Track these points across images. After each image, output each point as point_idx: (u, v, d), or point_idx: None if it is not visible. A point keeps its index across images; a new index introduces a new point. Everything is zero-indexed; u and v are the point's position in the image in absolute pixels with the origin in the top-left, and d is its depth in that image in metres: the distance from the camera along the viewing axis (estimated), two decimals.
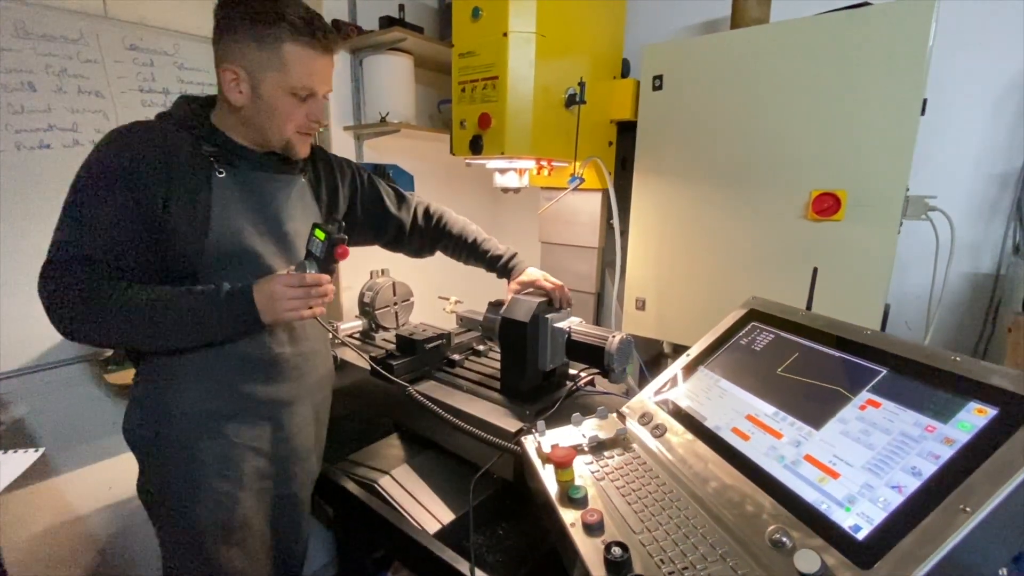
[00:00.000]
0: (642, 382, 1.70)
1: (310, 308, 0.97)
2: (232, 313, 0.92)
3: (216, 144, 0.97)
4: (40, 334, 1.50)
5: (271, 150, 1.04)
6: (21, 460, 0.86)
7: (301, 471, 1.17)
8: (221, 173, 0.96)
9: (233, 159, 0.99)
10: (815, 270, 1.02)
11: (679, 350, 1.71)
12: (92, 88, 1.55)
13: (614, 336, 1.18)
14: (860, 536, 0.59)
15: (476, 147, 1.42)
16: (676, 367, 1.04)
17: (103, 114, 1.56)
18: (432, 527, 1.21)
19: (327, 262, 0.99)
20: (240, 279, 0.95)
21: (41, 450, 0.89)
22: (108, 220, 0.87)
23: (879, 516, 0.60)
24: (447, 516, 1.25)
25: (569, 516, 0.77)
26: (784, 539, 0.63)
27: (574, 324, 1.23)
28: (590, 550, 0.70)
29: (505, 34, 1.31)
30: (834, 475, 0.67)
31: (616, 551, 0.66)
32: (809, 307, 1.00)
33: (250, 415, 1.05)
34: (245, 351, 1.01)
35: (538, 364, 1.22)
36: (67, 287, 0.85)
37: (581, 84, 1.43)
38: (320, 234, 1.01)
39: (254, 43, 0.91)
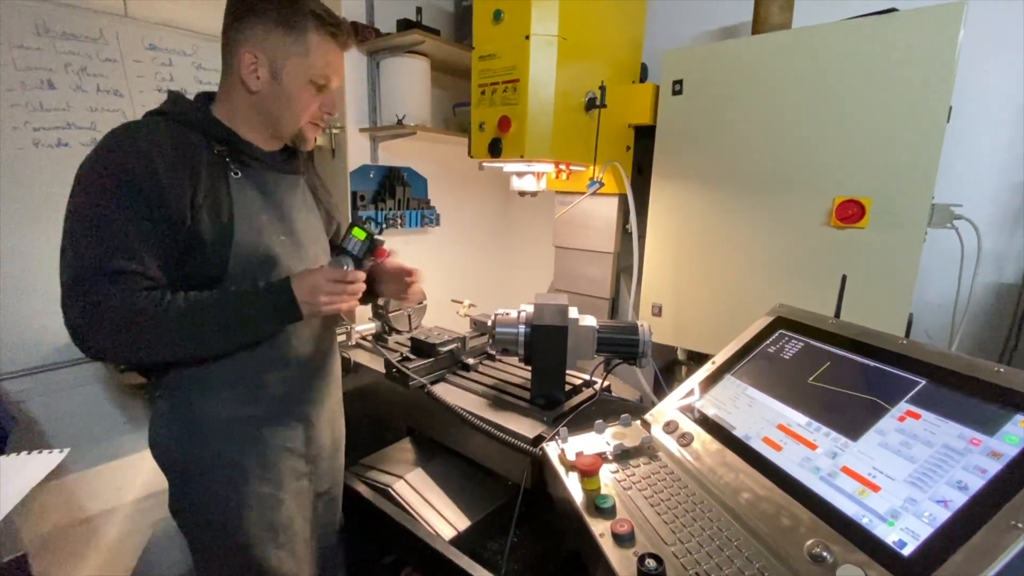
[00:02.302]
0: (658, 389, 1.68)
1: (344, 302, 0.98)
2: (275, 307, 0.92)
3: (225, 141, 0.94)
4: (52, 333, 1.49)
5: (277, 145, 1.02)
6: (44, 462, 0.85)
7: (332, 468, 1.19)
8: (237, 174, 0.94)
9: (244, 158, 0.96)
10: (844, 277, 1.01)
11: (694, 357, 1.70)
12: (111, 87, 1.55)
13: (642, 324, 1.20)
14: (906, 552, 0.58)
15: (495, 150, 1.41)
16: (700, 375, 1.02)
17: (122, 113, 1.57)
18: (447, 533, 1.19)
19: (364, 261, 1.02)
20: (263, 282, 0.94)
21: (67, 450, 0.88)
22: (134, 228, 0.82)
23: (925, 531, 0.58)
24: (463, 523, 1.24)
25: (598, 526, 0.75)
26: (825, 553, 0.62)
27: (588, 319, 1.23)
28: (621, 561, 0.69)
29: (527, 37, 1.31)
30: (874, 488, 0.65)
31: (651, 563, 0.65)
32: (838, 315, 0.98)
33: (283, 416, 1.04)
34: (270, 354, 1.00)
35: (566, 366, 1.20)
36: (101, 306, 0.80)
37: (602, 88, 1.42)
38: (360, 234, 1.03)
39: (281, 27, 0.90)
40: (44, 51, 1.43)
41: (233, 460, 0.98)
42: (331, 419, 1.18)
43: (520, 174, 1.56)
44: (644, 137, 1.67)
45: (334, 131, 1.84)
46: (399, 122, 1.80)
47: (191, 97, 0.99)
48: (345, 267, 0.97)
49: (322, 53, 0.94)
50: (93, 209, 0.81)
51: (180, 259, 0.88)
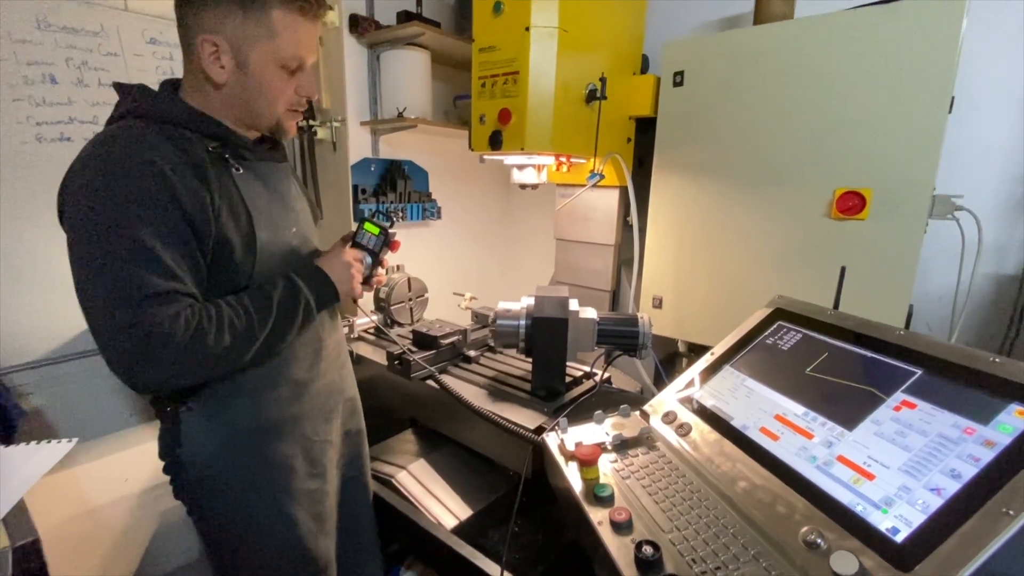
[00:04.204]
0: (658, 380, 1.69)
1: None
2: (316, 293, 0.92)
3: (217, 137, 0.87)
4: (57, 326, 1.51)
5: (256, 133, 0.96)
6: (55, 451, 0.86)
7: (360, 454, 1.21)
8: (239, 170, 0.89)
9: (238, 151, 0.90)
10: (843, 269, 1.01)
11: (695, 349, 1.71)
12: (113, 81, 1.55)
13: (643, 316, 1.20)
14: (899, 539, 0.58)
15: (495, 142, 1.41)
16: (700, 366, 1.03)
17: None
18: (450, 523, 1.21)
19: (380, 255, 1.04)
20: None
21: (75, 440, 0.89)
22: (164, 246, 0.76)
23: (918, 519, 0.59)
24: (464, 512, 1.26)
25: (596, 515, 0.76)
26: (819, 540, 0.63)
27: (589, 311, 1.23)
28: (619, 549, 0.70)
29: (527, 29, 1.30)
30: (869, 476, 0.66)
31: (648, 550, 0.66)
32: (836, 306, 0.99)
33: (323, 410, 1.05)
34: (307, 349, 1.00)
35: (566, 357, 1.21)
36: (155, 334, 0.73)
37: (602, 80, 1.42)
38: (373, 229, 1.04)
39: (239, 9, 0.81)
40: (45, 45, 1.44)
41: (284, 462, 0.97)
42: (354, 407, 1.20)
43: (521, 167, 1.56)
44: (645, 129, 1.67)
45: (335, 124, 1.84)
46: (400, 115, 1.80)
47: (167, 83, 0.91)
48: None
49: (291, 33, 0.85)
50: (115, 232, 0.74)
51: (209, 270, 0.84)
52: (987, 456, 0.60)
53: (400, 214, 2.01)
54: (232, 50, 0.83)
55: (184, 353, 0.76)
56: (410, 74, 1.86)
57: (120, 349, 0.74)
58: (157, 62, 1.61)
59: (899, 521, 0.60)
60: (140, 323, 0.73)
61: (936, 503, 0.59)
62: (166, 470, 0.95)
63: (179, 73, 0.91)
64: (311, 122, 1.84)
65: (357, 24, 1.81)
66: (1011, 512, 0.54)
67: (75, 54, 1.49)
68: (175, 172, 0.78)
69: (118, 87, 0.88)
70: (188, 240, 0.80)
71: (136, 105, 0.84)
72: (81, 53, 1.50)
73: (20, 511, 0.77)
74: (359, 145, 1.92)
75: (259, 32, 0.83)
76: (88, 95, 1.52)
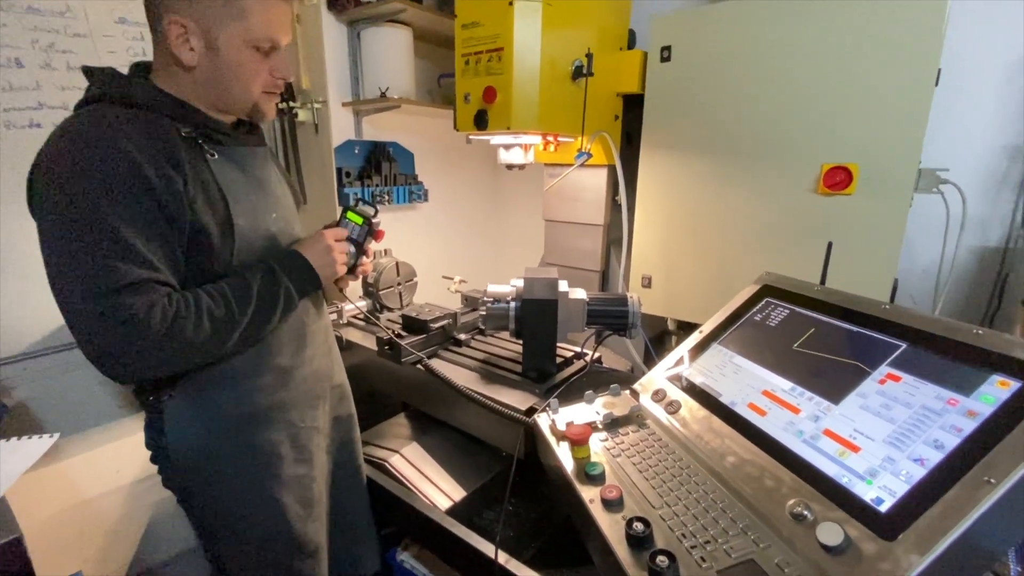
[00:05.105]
0: (648, 359, 1.70)
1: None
2: (297, 279, 0.91)
3: (190, 121, 0.85)
4: (37, 318, 1.48)
5: (232, 117, 0.94)
6: (37, 446, 0.84)
7: (351, 440, 1.21)
8: (214, 155, 0.87)
9: (212, 135, 0.88)
10: (830, 245, 1.02)
11: (684, 327, 1.72)
12: (81, 64, 1.49)
13: (632, 295, 1.21)
14: (883, 508, 0.60)
15: (481, 122, 1.38)
16: (688, 344, 1.04)
17: None
18: (444, 504, 1.22)
19: (364, 245, 1.02)
20: None
21: (56, 435, 0.87)
22: (139, 234, 0.75)
23: (902, 489, 0.60)
24: (458, 493, 1.27)
25: (588, 493, 0.77)
26: (805, 512, 0.64)
27: (578, 291, 1.23)
28: (611, 526, 0.71)
29: (511, 3, 1.26)
30: (855, 449, 0.67)
31: (638, 526, 0.66)
32: (823, 282, 0.99)
33: (310, 396, 1.05)
34: (291, 334, 0.99)
35: (556, 339, 1.21)
36: (133, 323, 0.73)
37: (589, 55, 1.39)
38: (356, 218, 1.02)
39: None
40: (10, 28, 1.37)
41: (270, 449, 0.97)
42: (343, 393, 1.20)
43: (507, 147, 1.54)
44: (633, 106, 1.65)
45: (316, 106, 1.79)
46: (382, 95, 1.75)
47: (137, 66, 0.89)
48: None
49: (262, 13, 0.83)
50: (86, 221, 0.72)
51: (186, 258, 0.83)
52: (969, 426, 0.61)
53: (386, 197, 1.98)
54: (201, 31, 0.81)
55: (161, 343, 0.76)
56: (392, 52, 1.81)
57: (95, 341, 0.73)
58: (128, 43, 1.55)
59: (883, 492, 0.61)
60: (115, 314, 0.72)
61: (919, 473, 0.60)
62: (153, 460, 0.95)
63: (150, 53, 0.88)
64: (291, 104, 1.79)
65: (335, 0, 1.75)
66: (992, 480, 0.55)
67: (41, 36, 1.42)
68: (146, 158, 0.76)
69: (86, 71, 0.85)
70: (162, 228, 0.78)
71: (105, 89, 0.82)
72: (48, 35, 1.43)
73: (2, 508, 0.76)
74: (342, 127, 1.87)
75: (228, 12, 0.81)
76: (56, 79, 1.46)
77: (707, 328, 1.03)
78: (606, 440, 0.90)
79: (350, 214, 1.03)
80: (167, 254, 0.80)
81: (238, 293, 0.85)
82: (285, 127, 1.86)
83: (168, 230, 0.79)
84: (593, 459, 0.84)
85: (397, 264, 1.68)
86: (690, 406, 0.90)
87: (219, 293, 0.84)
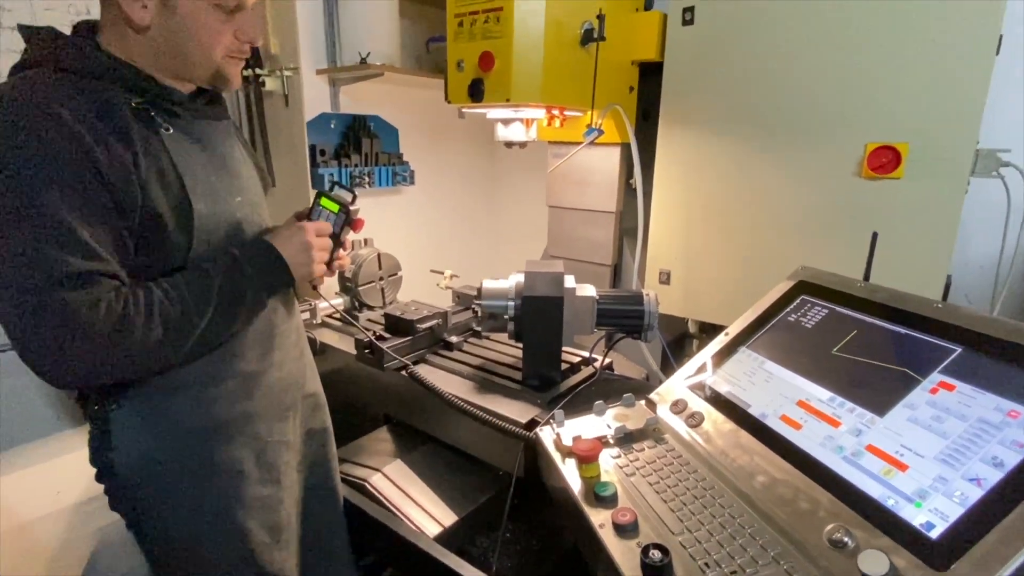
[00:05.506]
0: (666, 366, 1.71)
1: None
2: (265, 274, 0.91)
3: (142, 90, 0.84)
4: None
5: (191, 87, 0.93)
6: None
7: (326, 457, 1.21)
8: (168, 129, 0.86)
9: (169, 107, 0.87)
10: (875, 235, 1.02)
11: (707, 329, 1.72)
12: (17, 23, 1.49)
13: (648, 293, 1.21)
14: (933, 534, 0.60)
15: (476, 93, 1.38)
16: (712, 348, 1.04)
17: None
18: (432, 530, 1.22)
19: (341, 236, 1.02)
20: None
21: None
22: (81, 219, 0.74)
23: (955, 512, 0.60)
24: (448, 518, 1.27)
25: (597, 516, 0.78)
26: (846, 539, 0.64)
27: (587, 288, 1.23)
28: (624, 554, 0.71)
29: None
30: (901, 467, 0.68)
31: (655, 554, 0.67)
32: (867, 278, 1.00)
33: (278, 407, 1.05)
34: (257, 336, 0.99)
35: (562, 342, 1.21)
36: (73, 323, 0.72)
37: (600, 17, 1.39)
38: (331, 205, 1.02)
39: None
40: None
41: (232, 466, 0.97)
42: (317, 403, 1.20)
43: (506, 121, 1.54)
44: (650, 76, 1.64)
45: (286, 73, 1.79)
46: (363, 61, 1.75)
47: (82, 25, 0.87)
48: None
49: None
50: (19, 203, 0.71)
51: (138, 248, 0.82)
52: None
53: (367, 179, 1.98)
54: None
55: (106, 345, 0.76)
56: (374, 12, 1.81)
57: (32, 341, 0.73)
58: (69, 0, 1.55)
59: (934, 515, 0.61)
60: (53, 310, 0.72)
61: (976, 495, 0.60)
62: (99, 478, 0.95)
63: (94, 11, 0.87)
64: (258, 71, 1.79)
65: None
66: None
67: None
68: (91, 132, 0.76)
69: (23, 30, 0.84)
70: (109, 212, 0.78)
71: (44, 52, 0.81)
72: None
73: None
74: (316, 98, 1.87)
75: None
76: None
77: (734, 330, 1.04)
78: (618, 457, 0.90)
79: (324, 200, 1.03)
80: (114, 242, 0.79)
81: (197, 290, 0.85)
82: (251, 98, 1.85)
83: (116, 215, 0.78)
84: (603, 479, 0.84)
85: (379, 256, 1.68)
86: (714, 418, 0.91)
87: (175, 289, 0.83)
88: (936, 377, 0.73)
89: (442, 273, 1.74)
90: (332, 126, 1.94)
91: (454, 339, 1.46)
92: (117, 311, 0.77)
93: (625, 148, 1.67)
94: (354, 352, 1.40)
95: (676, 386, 1.02)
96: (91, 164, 0.75)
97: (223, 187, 0.94)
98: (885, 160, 1.27)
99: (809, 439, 0.78)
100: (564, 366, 1.30)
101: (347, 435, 1.51)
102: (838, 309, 0.93)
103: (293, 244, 0.95)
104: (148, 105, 0.85)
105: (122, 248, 0.81)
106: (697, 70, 1.49)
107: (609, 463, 0.89)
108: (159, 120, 0.86)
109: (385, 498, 1.29)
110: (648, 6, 1.68)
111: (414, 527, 1.22)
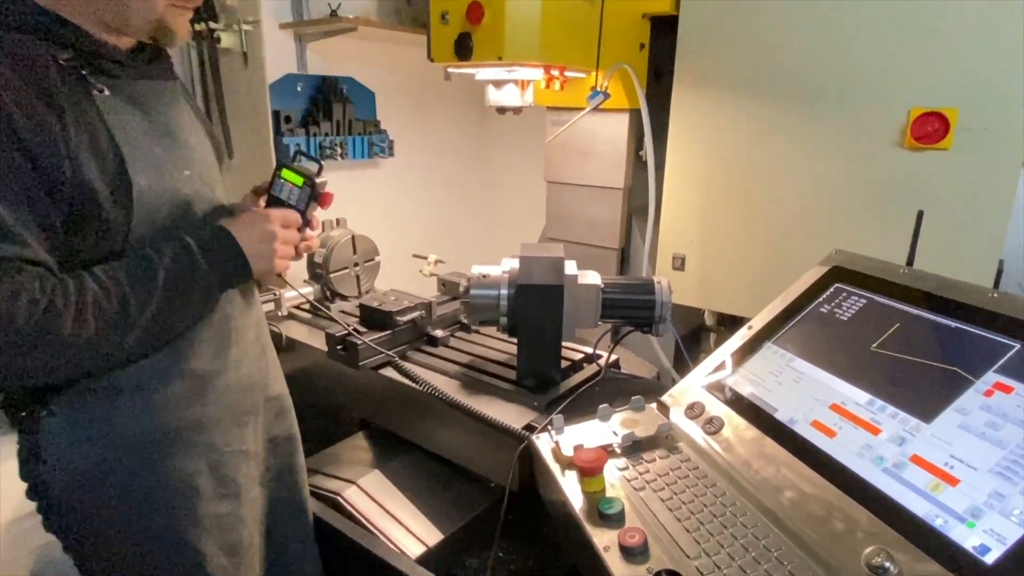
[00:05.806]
0: (680, 363, 1.71)
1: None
2: (220, 266, 0.90)
3: (71, 44, 0.82)
4: None
5: (130, 42, 0.91)
6: None
7: (293, 468, 1.20)
8: (103, 91, 0.84)
9: (103, 65, 0.86)
10: (920, 214, 1.01)
11: (726, 322, 1.73)
12: None
13: (659, 281, 1.20)
14: (989, 559, 0.59)
15: (463, 49, 1.36)
16: (733, 344, 1.04)
17: None
18: (414, 550, 1.23)
19: (307, 213, 1.01)
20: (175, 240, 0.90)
21: None
22: (2, 192, 0.73)
23: (1014, 534, 0.59)
24: (433, 536, 1.27)
25: (602, 537, 0.77)
26: (887, 563, 0.63)
27: (591, 275, 1.23)
28: None
29: None
30: (951, 481, 0.67)
31: None
32: (910, 263, 0.99)
33: (234, 411, 1.04)
34: (210, 333, 0.98)
35: (562, 337, 1.21)
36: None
37: None
38: (295, 178, 1.00)
39: None
40: None
41: (183, 480, 0.96)
42: (282, 407, 1.20)
43: (498, 83, 1.53)
44: (663, 31, 1.63)
45: (245, 28, 1.75)
46: (333, 13, 1.73)
47: None
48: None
49: None
50: None
51: (68, 229, 0.81)
52: None
53: (339, 150, 1.96)
54: None
55: (29, 342, 0.74)
56: None
57: None
58: None
59: (989, 537, 0.61)
60: None
61: None
62: (30, 495, 0.93)
63: None
64: (212, 25, 1.75)
65: None
66: None
67: None
68: (9, 92, 0.74)
69: None
70: (31, 187, 0.76)
71: None
72: None
73: None
74: (280, 56, 1.85)
75: None
76: None
77: (758, 323, 1.03)
78: (626, 469, 0.89)
79: (286, 172, 1.01)
80: (39, 223, 0.77)
81: (137, 280, 0.83)
82: (204, 56, 1.82)
83: (40, 191, 0.76)
84: (609, 493, 0.84)
85: (353, 238, 1.68)
86: (736, 424, 0.90)
87: (111, 279, 0.81)
88: (991, 377, 0.72)
89: (425, 258, 1.73)
90: (299, 88, 1.92)
91: (439, 333, 1.46)
92: (42, 303, 0.75)
93: (634, 114, 1.67)
94: (325, 348, 1.40)
95: (692, 387, 1.02)
96: (10, 131, 0.73)
97: (168, 158, 0.92)
98: (931, 128, 1.26)
99: (844, 448, 0.77)
100: (564, 364, 1.30)
101: (317, 443, 1.52)
102: (878, 299, 0.92)
103: (254, 232, 0.93)
104: (79, 62, 0.83)
105: (48, 230, 0.79)
106: (717, 25, 1.48)
107: (615, 476, 0.88)
108: (92, 80, 0.84)
109: (361, 514, 1.30)
110: None
111: (394, 547, 1.22)
